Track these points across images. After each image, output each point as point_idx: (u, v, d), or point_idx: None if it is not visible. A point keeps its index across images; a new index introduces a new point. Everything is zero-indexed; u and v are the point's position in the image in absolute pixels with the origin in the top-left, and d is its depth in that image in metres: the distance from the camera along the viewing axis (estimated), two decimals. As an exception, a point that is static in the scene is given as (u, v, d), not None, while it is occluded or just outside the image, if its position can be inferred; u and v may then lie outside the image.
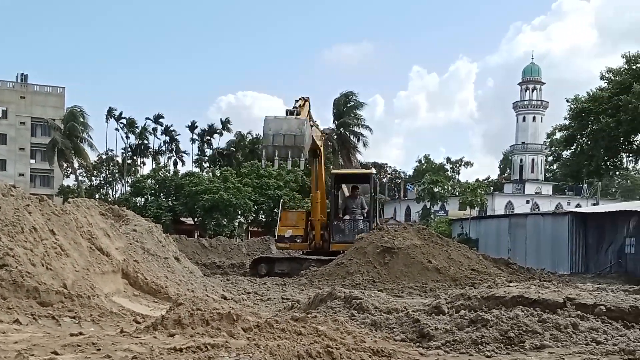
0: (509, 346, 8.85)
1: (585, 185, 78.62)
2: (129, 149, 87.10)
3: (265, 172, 60.87)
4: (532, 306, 9.99)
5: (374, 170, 34.52)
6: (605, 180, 64.13)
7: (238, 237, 56.39)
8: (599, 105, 28.69)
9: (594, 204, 70.06)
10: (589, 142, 30.11)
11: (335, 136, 72.80)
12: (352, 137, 73.63)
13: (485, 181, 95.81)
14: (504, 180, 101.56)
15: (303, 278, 22.92)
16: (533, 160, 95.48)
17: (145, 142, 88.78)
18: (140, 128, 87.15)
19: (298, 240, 27.80)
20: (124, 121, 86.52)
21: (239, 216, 60.39)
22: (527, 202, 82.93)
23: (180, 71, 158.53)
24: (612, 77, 29.56)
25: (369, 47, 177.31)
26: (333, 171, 29.60)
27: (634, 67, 28.85)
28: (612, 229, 33.89)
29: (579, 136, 31.01)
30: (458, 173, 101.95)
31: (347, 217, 27.54)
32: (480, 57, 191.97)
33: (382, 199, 73.70)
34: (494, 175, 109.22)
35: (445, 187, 68.41)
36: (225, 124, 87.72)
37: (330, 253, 25.96)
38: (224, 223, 58.23)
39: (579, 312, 9.75)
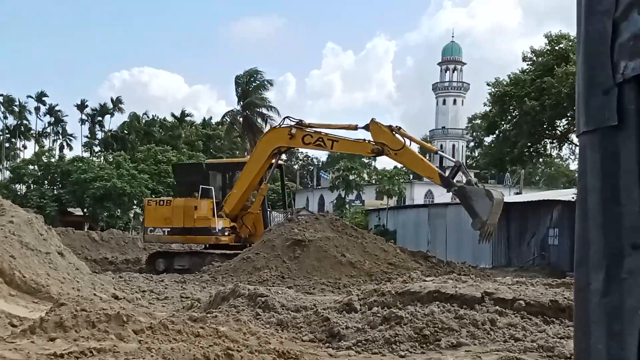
0: (424, 345, 9.04)
1: (508, 173, 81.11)
2: (7, 131, 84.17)
3: (163, 158, 60.12)
4: (449, 302, 10.24)
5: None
6: (528, 168, 66.27)
7: (133, 229, 55.49)
8: (522, 88, 29.49)
9: (517, 193, 72.36)
10: (512, 128, 30.95)
11: (241, 118, 72.34)
12: (259, 119, 72.69)
13: (404, 168, 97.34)
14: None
15: (205, 274, 22.82)
16: (454, 146, 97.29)
17: (26, 122, 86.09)
18: (19, 107, 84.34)
19: (227, 233, 27.66)
20: (1, 99, 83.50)
21: (134, 206, 59.44)
22: (448, 191, 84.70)
23: (67, 44, 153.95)
24: (535, 59, 30.44)
25: (280, 21, 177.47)
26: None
27: (557, 48, 29.75)
28: (535, 219, 35.05)
29: (501, 122, 31.84)
30: (375, 160, 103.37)
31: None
32: (399, 35, 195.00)
33: (292, 188, 73.92)
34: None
35: (362, 174, 69.14)
36: (117, 103, 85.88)
37: None
38: (118, 214, 57.28)
39: (497, 307, 10.05)
